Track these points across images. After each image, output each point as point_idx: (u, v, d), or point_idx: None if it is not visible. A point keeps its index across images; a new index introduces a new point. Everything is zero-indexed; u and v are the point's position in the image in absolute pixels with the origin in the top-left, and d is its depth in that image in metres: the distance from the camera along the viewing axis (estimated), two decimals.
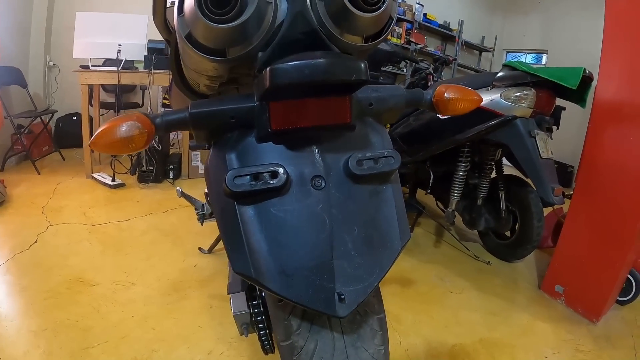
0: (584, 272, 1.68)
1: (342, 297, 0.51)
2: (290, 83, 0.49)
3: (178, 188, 1.47)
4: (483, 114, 1.65)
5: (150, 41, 2.80)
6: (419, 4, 5.12)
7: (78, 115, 3.48)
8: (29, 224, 1.97)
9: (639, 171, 1.48)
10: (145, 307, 1.41)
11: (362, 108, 0.61)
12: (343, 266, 0.52)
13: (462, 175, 1.92)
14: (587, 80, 1.58)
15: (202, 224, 1.38)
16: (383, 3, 0.52)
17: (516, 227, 2.04)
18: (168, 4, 0.78)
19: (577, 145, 4.04)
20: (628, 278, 1.74)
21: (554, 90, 1.65)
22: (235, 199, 0.53)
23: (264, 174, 0.52)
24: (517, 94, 1.61)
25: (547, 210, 2.05)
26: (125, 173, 2.86)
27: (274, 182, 0.51)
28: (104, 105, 3.35)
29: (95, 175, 2.75)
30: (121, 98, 3.23)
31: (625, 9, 1.51)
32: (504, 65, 1.71)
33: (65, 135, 3.48)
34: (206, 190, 1.23)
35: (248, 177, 0.51)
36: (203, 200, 1.51)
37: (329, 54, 0.52)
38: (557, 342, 1.50)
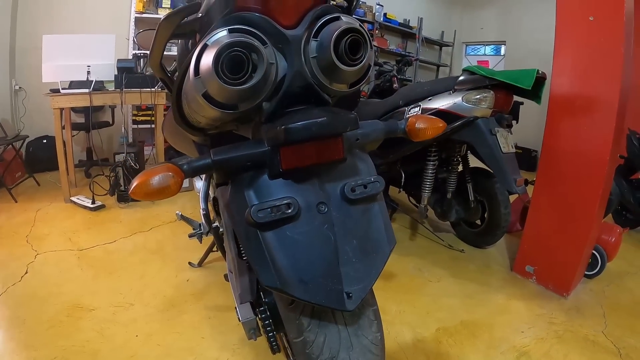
0: (551, 251, 1.83)
1: (350, 295, 0.64)
2: (302, 139, 0.62)
3: (177, 212, 1.54)
4: (448, 116, 1.79)
5: (119, 60, 2.80)
6: (378, 4, 5.27)
7: (48, 138, 3.42)
8: (15, 254, 1.96)
9: (593, 155, 1.64)
10: (148, 325, 1.46)
11: (350, 143, 0.74)
12: (347, 271, 0.65)
13: (431, 172, 2.05)
14: (540, 79, 1.74)
15: (200, 242, 1.46)
16: (363, 58, 0.65)
17: (485, 215, 2.20)
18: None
19: (539, 131, 4.32)
20: (593, 253, 1.90)
21: (510, 90, 1.81)
22: (259, 227, 0.64)
23: (281, 206, 0.63)
24: (477, 96, 1.76)
25: (513, 197, 2.22)
26: (104, 195, 2.84)
27: (289, 212, 0.63)
28: (75, 127, 3.30)
29: (74, 198, 2.73)
30: (92, 118, 3.21)
31: (575, 8, 1.66)
32: (464, 70, 1.86)
33: (37, 159, 3.40)
34: (202, 211, 1.32)
35: (268, 209, 0.63)
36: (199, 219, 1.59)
37: (327, 111, 0.65)
38: (531, 317, 1.65)
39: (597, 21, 1.60)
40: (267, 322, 0.90)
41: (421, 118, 0.79)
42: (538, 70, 1.70)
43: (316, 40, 0.65)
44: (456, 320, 1.60)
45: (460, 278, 1.96)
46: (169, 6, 3.63)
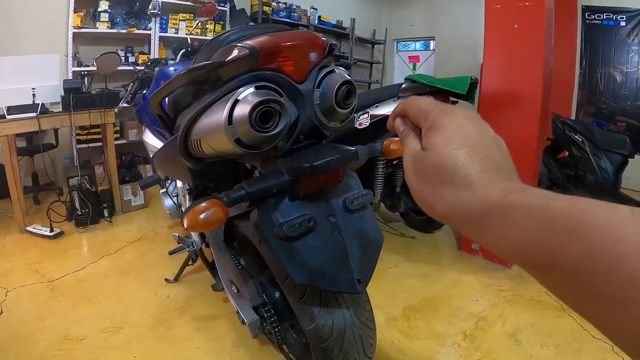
0: None
1: (360, 281, 0.84)
2: (321, 172, 0.80)
3: (175, 234, 1.61)
4: None
5: (65, 81, 2.70)
6: (312, 7, 5.40)
7: None
8: None
9: (522, 143, 1.93)
10: (142, 345, 1.53)
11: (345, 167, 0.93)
12: (355, 263, 0.84)
13: (381, 171, 2.24)
14: (473, 84, 2.02)
15: (195, 260, 1.57)
16: (354, 102, 0.86)
17: None
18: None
19: None
20: None
21: (447, 94, 2.07)
22: (288, 240, 0.80)
23: (304, 222, 0.81)
24: None
25: None
26: (62, 221, 2.74)
27: (311, 225, 0.81)
28: (18, 152, 3.11)
29: (29, 228, 2.63)
30: (39, 142, 3.05)
31: (501, 17, 1.91)
32: (406, 79, 2.10)
33: None
34: (181, 234, 1.47)
35: (296, 225, 0.80)
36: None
37: (334, 148, 0.85)
38: (482, 287, 1.93)
39: (521, 28, 1.86)
40: (273, 319, 1.06)
41: (393, 141, 1.00)
42: (471, 77, 1.97)
43: (319, 90, 0.84)
44: (418, 297, 1.85)
45: (415, 261, 2.21)
46: (107, 20, 3.50)
